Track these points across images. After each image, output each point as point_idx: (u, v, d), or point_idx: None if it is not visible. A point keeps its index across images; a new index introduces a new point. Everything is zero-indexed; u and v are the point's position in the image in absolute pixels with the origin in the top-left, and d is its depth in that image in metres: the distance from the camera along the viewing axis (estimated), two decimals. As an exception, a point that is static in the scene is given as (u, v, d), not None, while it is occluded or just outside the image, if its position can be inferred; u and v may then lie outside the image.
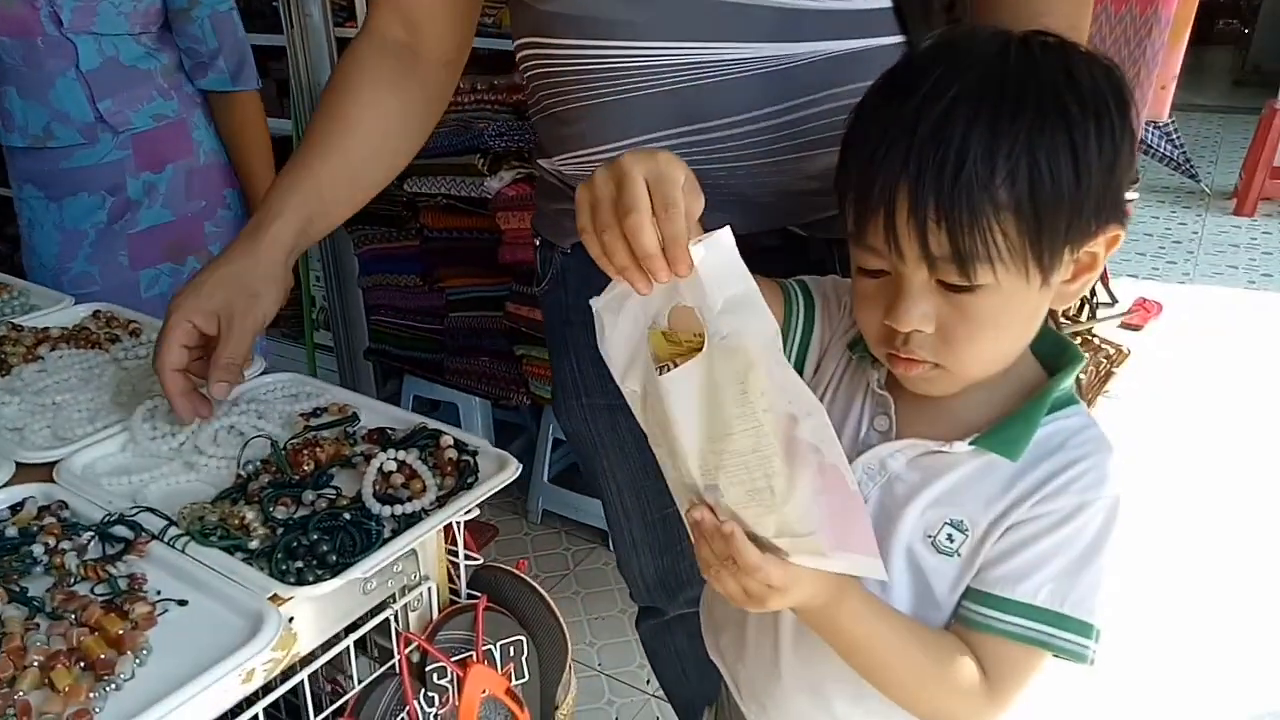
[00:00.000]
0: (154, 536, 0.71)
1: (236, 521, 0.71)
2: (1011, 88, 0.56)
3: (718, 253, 0.56)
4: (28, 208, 1.50)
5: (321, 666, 0.77)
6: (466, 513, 0.79)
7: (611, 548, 1.86)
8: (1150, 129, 4.94)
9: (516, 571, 0.87)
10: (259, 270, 0.83)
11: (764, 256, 0.85)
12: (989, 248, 0.57)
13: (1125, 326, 3.31)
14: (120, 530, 0.71)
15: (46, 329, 1.05)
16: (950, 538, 0.66)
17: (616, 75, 0.79)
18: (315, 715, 0.73)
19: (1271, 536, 2.10)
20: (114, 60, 1.40)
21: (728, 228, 0.56)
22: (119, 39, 1.40)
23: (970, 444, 0.64)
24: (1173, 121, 4.97)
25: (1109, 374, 1.84)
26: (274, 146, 1.72)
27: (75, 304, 1.15)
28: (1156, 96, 2.01)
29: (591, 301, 0.61)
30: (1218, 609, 1.87)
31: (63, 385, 0.94)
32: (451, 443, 0.83)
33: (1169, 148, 4.91)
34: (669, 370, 0.59)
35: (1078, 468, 0.63)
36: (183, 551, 0.70)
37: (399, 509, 0.74)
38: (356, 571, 0.67)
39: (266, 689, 0.68)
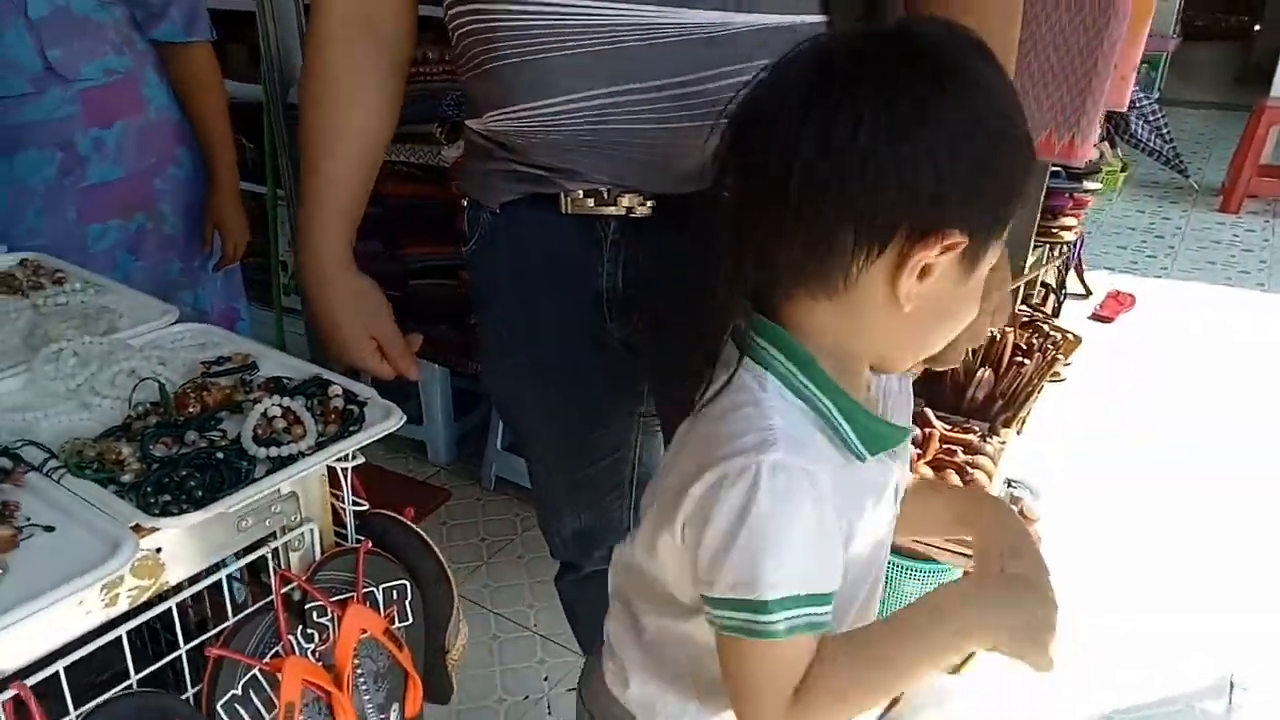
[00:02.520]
0: (33, 468, 0.74)
1: (113, 456, 0.74)
2: None
3: None
4: (-20, 163, 1.53)
5: (204, 597, 0.81)
6: (347, 458, 0.83)
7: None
8: (1139, 122, 4.94)
9: (404, 519, 0.90)
10: (345, 289, 0.98)
11: (693, 220, 0.88)
12: None
13: (1096, 318, 3.33)
14: (3, 461, 0.74)
15: (-31, 274, 1.07)
16: None
17: (548, 32, 0.81)
18: (187, 642, 0.76)
19: (1217, 524, 2.13)
20: (64, 10, 1.42)
21: None
22: None
23: None
24: (1163, 115, 4.97)
25: (1054, 360, 1.86)
26: (245, 112, 1.73)
27: (8, 252, 1.18)
28: (1116, 86, 2.02)
29: None
30: (1156, 601, 1.91)
31: (-22, 327, 0.97)
32: (340, 392, 0.86)
33: (1158, 142, 4.89)
34: None
35: None
36: (58, 482, 0.73)
37: (275, 451, 0.77)
38: (220, 507, 0.70)
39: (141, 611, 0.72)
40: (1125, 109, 2.28)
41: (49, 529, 0.69)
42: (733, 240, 0.62)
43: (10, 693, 0.63)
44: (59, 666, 0.67)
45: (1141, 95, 5.09)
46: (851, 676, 0.63)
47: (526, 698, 1.63)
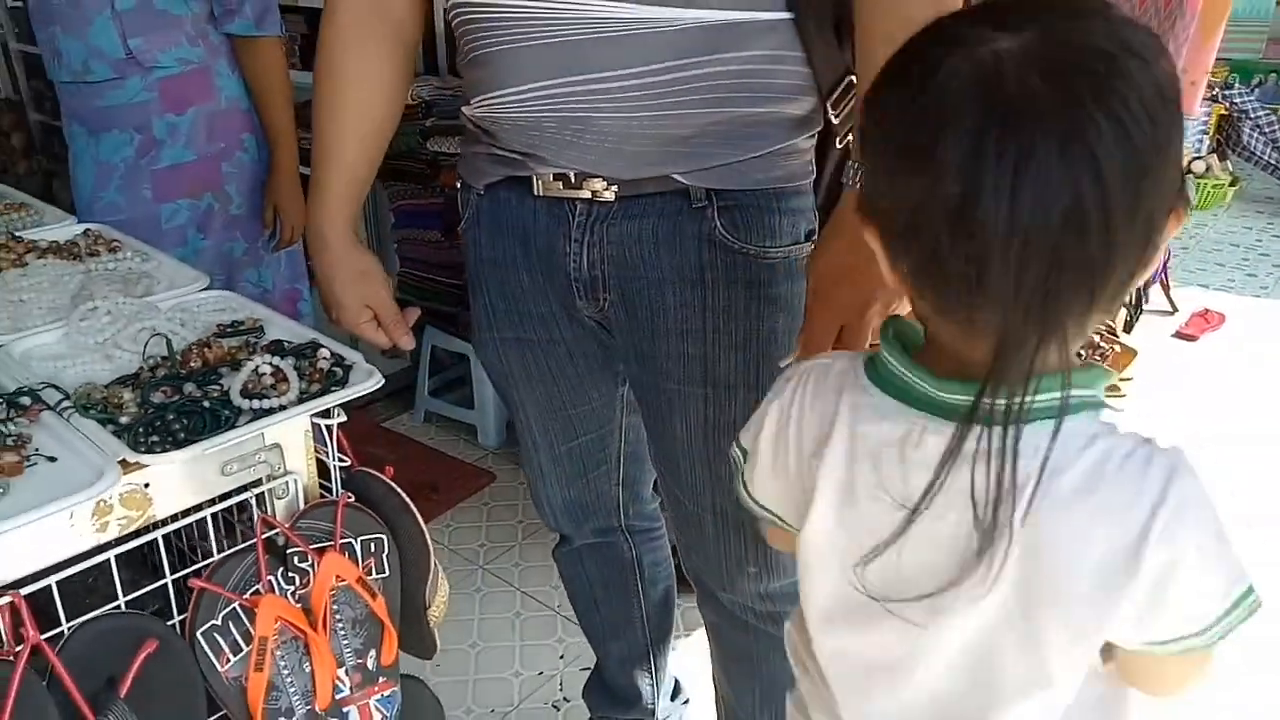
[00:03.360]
0: (48, 406, 0.83)
1: (116, 401, 0.83)
2: None
3: None
4: (75, 143, 1.68)
5: (192, 534, 0.89)
6: (331, 415, 0.90)
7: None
8: (1254, 134, 4.68)
9: (384, 479, 0.96)
10: (344, 260, 1.02)
11: (650, 201, 0.92)
12: None
13: (1179, 336, 3.18)
14: (25, 400, 0.84)
15: (36, 241, 1.20)
16: None
17: (510, 25, 0.87)
18: (172, 571, 0.84)
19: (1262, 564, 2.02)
20: (147, 4, 1.55)
21: None
22: None
23: None
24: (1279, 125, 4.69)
25: (1099, 371, 1.80)
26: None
27: (76, 223, 1.30)
28: (1186, 91, 1.94)
29: None
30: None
31: (34, 286, 1.08)
32: (328, 355, 0.93)
33: (1274, 155, 4.63)
34: None
35: None
36: (68, 420, 0.82)
37: (259, 403, 0.84)
38: (197, 449, 0.78)
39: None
40: (1194, 116, 2.18)
41: (52, 459, 0.77)
42: (1046, 317, 0.52)
43: (6, 599, 0.72)
44: (52, 580, 0.75)
45: (1257, 105, 4.82)
46: None
47: (541, 673, 1.68)
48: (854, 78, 0.90)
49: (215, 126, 1.67)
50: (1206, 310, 3.29)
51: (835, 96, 0.91)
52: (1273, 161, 4.64)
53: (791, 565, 1.06)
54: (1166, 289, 3.29)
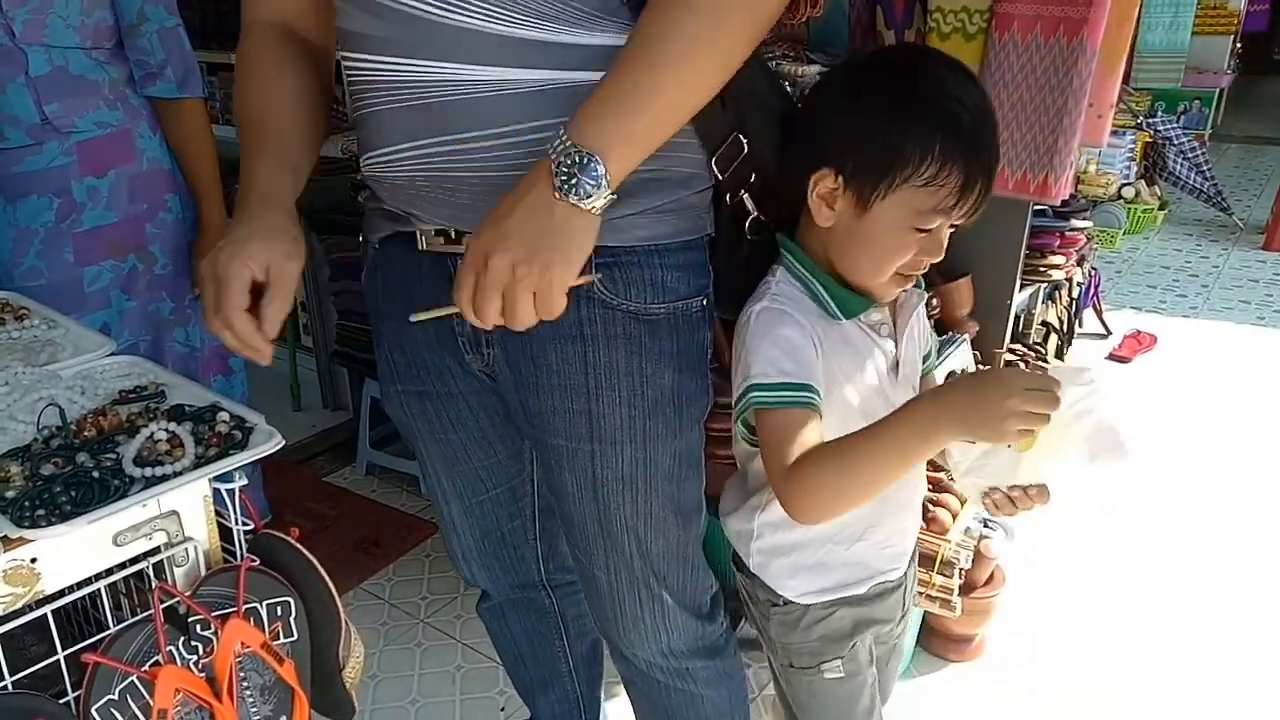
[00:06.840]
0: (-69, 483, 0.82)
1: (3, 474, 0.82)
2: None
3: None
4: (-10, 209, 1.67)
5: (85, 606, 0.87)
6: (233, 479, 0.89)
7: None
8: (1178, 159, 4.84)
9: (290, 540, 0.96)
10: (284, 229, 0.85)
11: None
12: None
13: (1113, 358, 3.27)
14: (-91, 477, 0.82)
15: (-61, 310, 1.18)
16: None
17: (381, 86, 0.88)
18: (75, 644, 0.82)
19: (1202, 578, 2.07)
20: (63, 70, 1.55)
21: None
22: (69, 51, 1.55)
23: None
24: (1204, 151, 4.87)
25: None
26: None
27: (-11, 292, 1.29)
28: (1093, 124, 2.01)
29: None
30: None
31: (-67, 357, 1.06)
32: (228, 419, 0.92)
33: (1198, 178, 4.80)
34: None
35: None
36: (-49, 497, 0.80)
37: (152, 471, 0.84)
38: (83, 521, 0.77)
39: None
40: (1103, 146, 2.26)
41: (-69, 538, 0.76)
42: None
43: (-120, 685, 0.70)
44: (-69, 664, 0.73)
45: (1179, 131, 5.00)
46: (833, 468, 0.85)
47: (482, 726, 1.66)
48: (740, 135, 0.92)
49: (137, 188, 1.67)
50: (1139, 332, 3.38)
51: (720, 154, 0.92)
52: (1197, 185, 4.81)
53: (694, 625, 1.07)
54: (1099, 313, 3.38)
